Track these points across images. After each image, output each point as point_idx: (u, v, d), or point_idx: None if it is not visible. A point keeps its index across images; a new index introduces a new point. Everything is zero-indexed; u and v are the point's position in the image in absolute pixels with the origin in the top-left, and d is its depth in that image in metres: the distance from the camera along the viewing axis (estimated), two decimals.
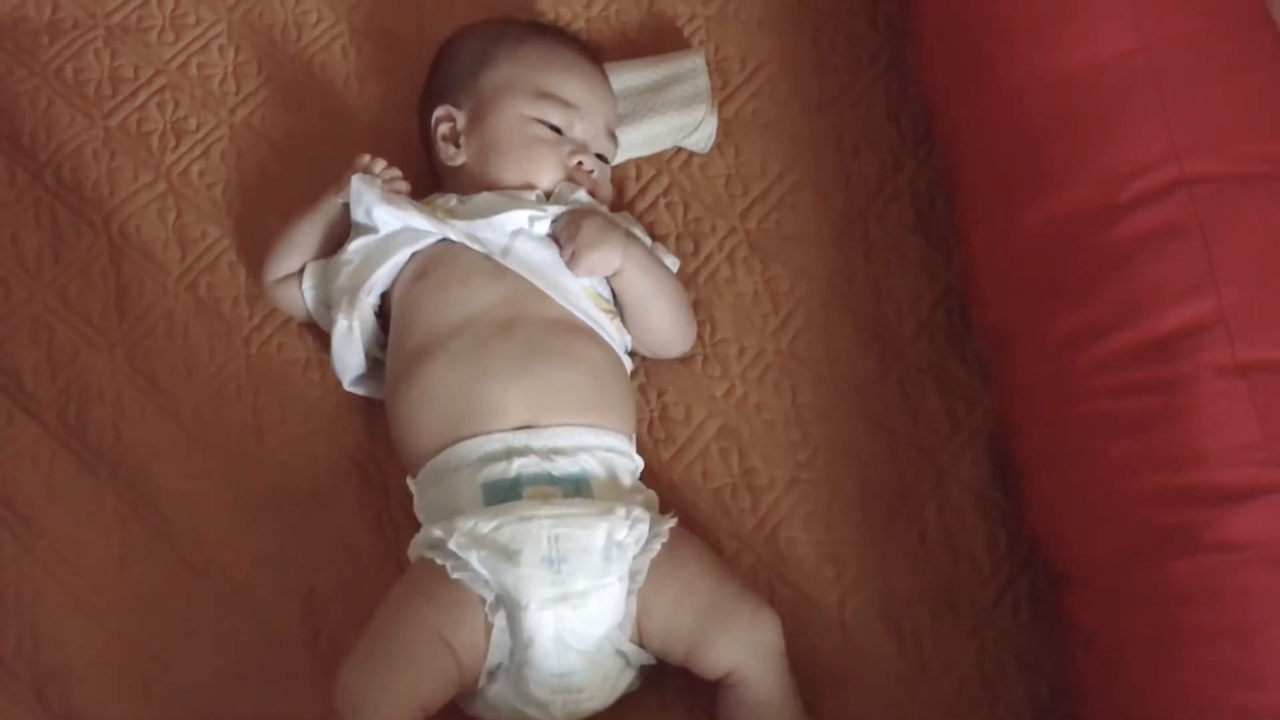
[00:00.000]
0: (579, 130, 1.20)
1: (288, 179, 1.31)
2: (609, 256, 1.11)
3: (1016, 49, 1.10)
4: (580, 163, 1.19)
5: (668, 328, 1.18)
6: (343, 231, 1.19)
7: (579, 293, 1.12)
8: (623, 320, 1.16)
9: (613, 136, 1.24)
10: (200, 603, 1.13)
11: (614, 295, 1.16)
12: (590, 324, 1.12)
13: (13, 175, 1.31)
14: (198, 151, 1.33)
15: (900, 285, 1.25)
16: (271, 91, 1.36)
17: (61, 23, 1.39)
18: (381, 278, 1.14)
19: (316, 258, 1.20)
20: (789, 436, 1.19)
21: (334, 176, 1.26)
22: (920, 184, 1.30)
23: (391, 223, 1.14)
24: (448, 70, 1.24)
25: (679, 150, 1.33)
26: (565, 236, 1.11)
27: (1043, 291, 1.05)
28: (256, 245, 1.27)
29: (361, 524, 1.16)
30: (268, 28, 1.39)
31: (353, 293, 1.13)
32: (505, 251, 1.11)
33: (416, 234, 1.13)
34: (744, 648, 1.02)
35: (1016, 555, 1.13)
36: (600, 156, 1.22)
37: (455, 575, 1.00)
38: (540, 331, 1.09)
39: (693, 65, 1.33)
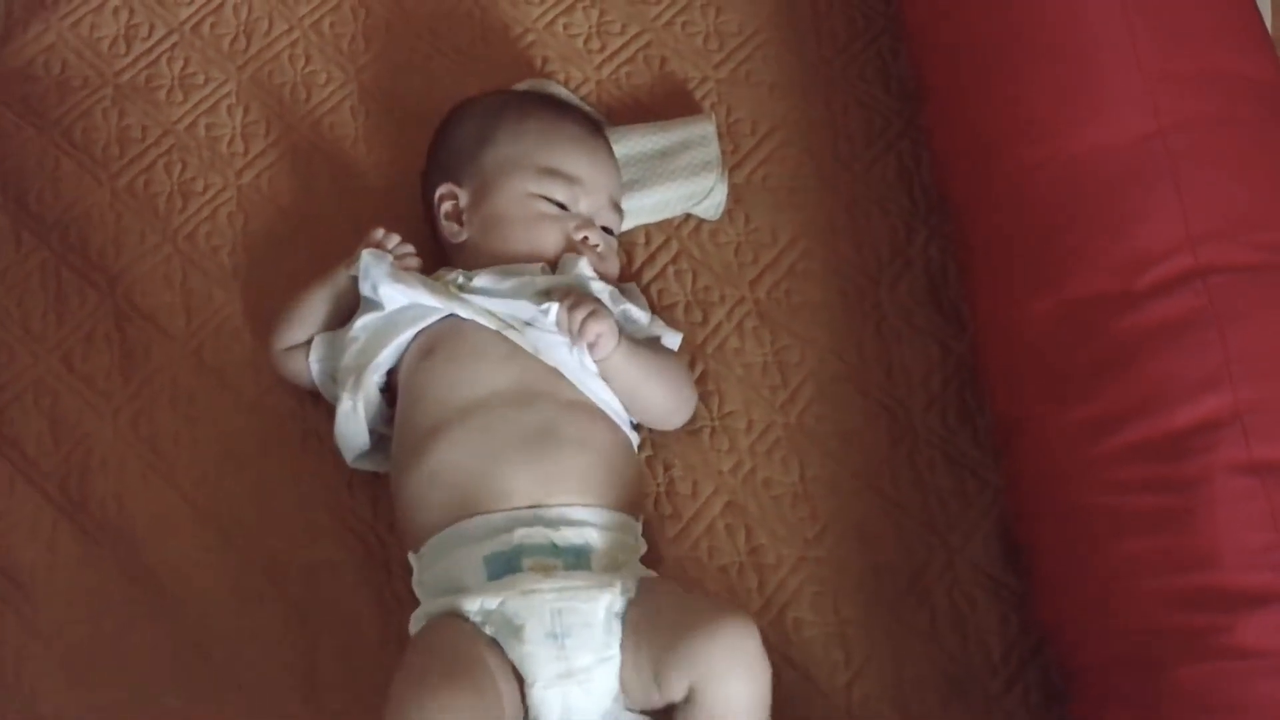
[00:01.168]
0: (584, 205, 1.19)
1: (295, 242, 1.30)
2: (607, 343, 1.09)
3: (1030, 129, 1.09)
4: (586, 238, 1.18)
5: (659, 405, 1.16)
6: (352, 304, 1.18)
7: (593, 372, 1.11)
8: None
9: (617, 208, 1.23)
10: (200, 678, 1.12)
11: None
12: (602, 406, 1.11)
13: (19, 237, 1.31)
14: (205, 214, 1.32)
15: (911, 358, 1.24)
16: (280, 153, 1.35)
17: (70, 81, 1.38)
18: (387, 357, 1.13)
19: (325, 329, 1.19)
20: (797, 513, 1.18)
21: (340, 240, 1.26)
22: (933, 252, 1.28)
23: (398, 299, 1.13)
24: (449, 147, 1.23)
25: (688, 217, 1.31)
26: (570, 324, 1.08)
27: (1053, 379, 1.03)
28: (262, 310, 1.26)
29: (363, 599, 1.15)
30: (277, 88, 1.38)
31: (359, 372, 1.12)
32: (524, 326, 1.10)
33: (424, 310, 1.13)
34: (703, 660, 0.94)
35: (1028, 639, 1.12)
36: (606, 229, 1.21)
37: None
38: (553, 414, 1.08)
39: (703, 132, 1.31)
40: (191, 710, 1.11)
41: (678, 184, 1.28)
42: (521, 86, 1.32)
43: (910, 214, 1.30)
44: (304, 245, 1.30)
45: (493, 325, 1.10)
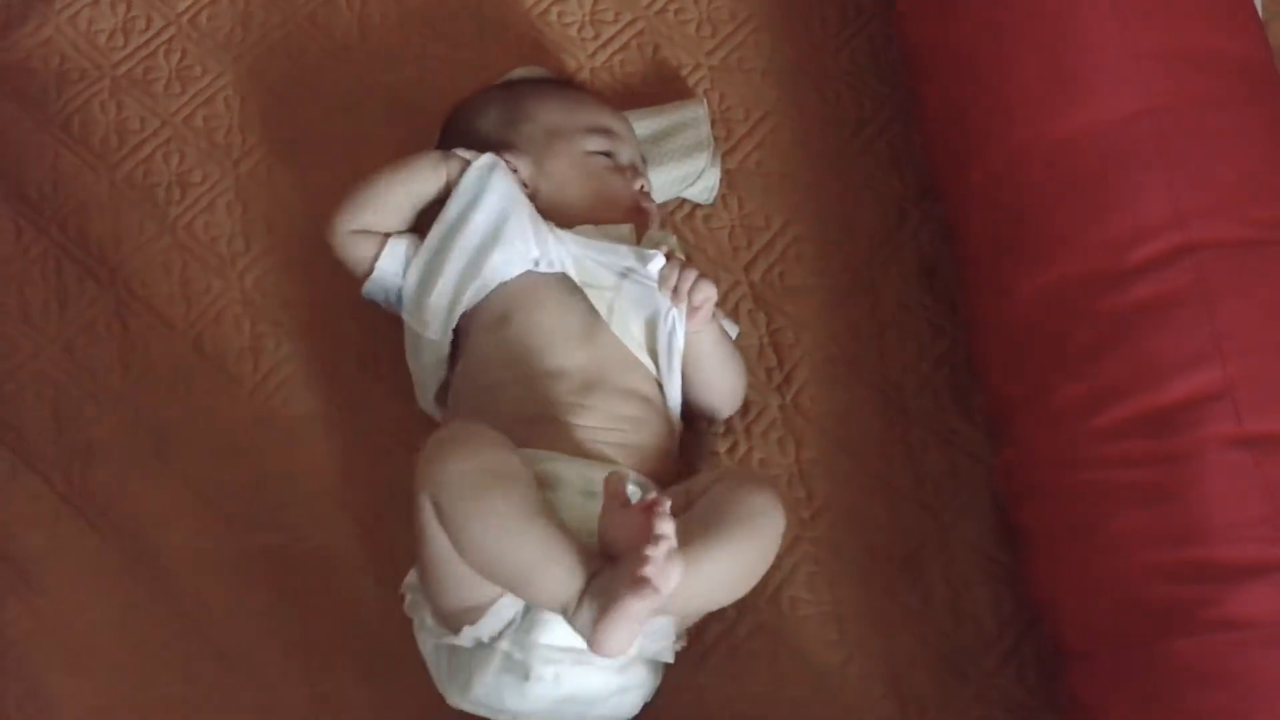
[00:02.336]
0: (624, 155, 1.22)
1: (292, 231, 1.31)
2: (709, 308, 1.09)
3: (1019, 110, 1.09)
4: (641, 186, 1.21)
5: (727, 389, 1.18)
6: (430, 205, 1.17)
7: (677, 348, 1.11)
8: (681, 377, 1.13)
9: (643, 157, 1.26)
10: (201, 663, 1.13)
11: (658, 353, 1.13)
12: (666, 396, 1.12)
13: (19, 229, 1.32)
14: (203, 204, 1.33)
15: (904, 339, 1.25)
16: (276, 143, 1.36)
17: (69, 74, 1.39)
18: (468, 301, 1.12)
19: (403, 229, 1.17)
20: (793, 494, 1.19)
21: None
22: (924, 235, 1.29)
23: (508, 230, 1.11)
24: (474, 138, 1.22)
25: (682, 201, 1.32)
26: (679, 281, 1.07)
27: (1045, 358, 1.04)
28: (260, 299, 1.28)
29: (364, 584, 1.16)
30: (273, 79, 1.39)
31: (450, 311, 1.12)
32: (617, 281, 1.11)
33: (511, 257, 1.11)
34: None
35: (1022, 617, 1.13)
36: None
37: None
38: (617, 402, 1.08)
39: (694, 114, 1.32)
40: (193, 695, 1.12)
41: (670, 166, 1.29)
42: (513, 75, 1.33)
43: (902, 197, 1.31)
44: (300, 233, 1.30)
45: (580, 277, 1.11)
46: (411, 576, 1.05)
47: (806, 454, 1.21)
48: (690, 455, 1.19)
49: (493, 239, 1.12)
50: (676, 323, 1.10)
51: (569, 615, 0.91)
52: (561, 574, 0.91)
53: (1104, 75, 1.06)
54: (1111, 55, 1.07)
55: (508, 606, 0.97)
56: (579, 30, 1.41)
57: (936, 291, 1.26)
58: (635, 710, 1.04)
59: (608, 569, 0.90)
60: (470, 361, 1.12)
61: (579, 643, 0.93)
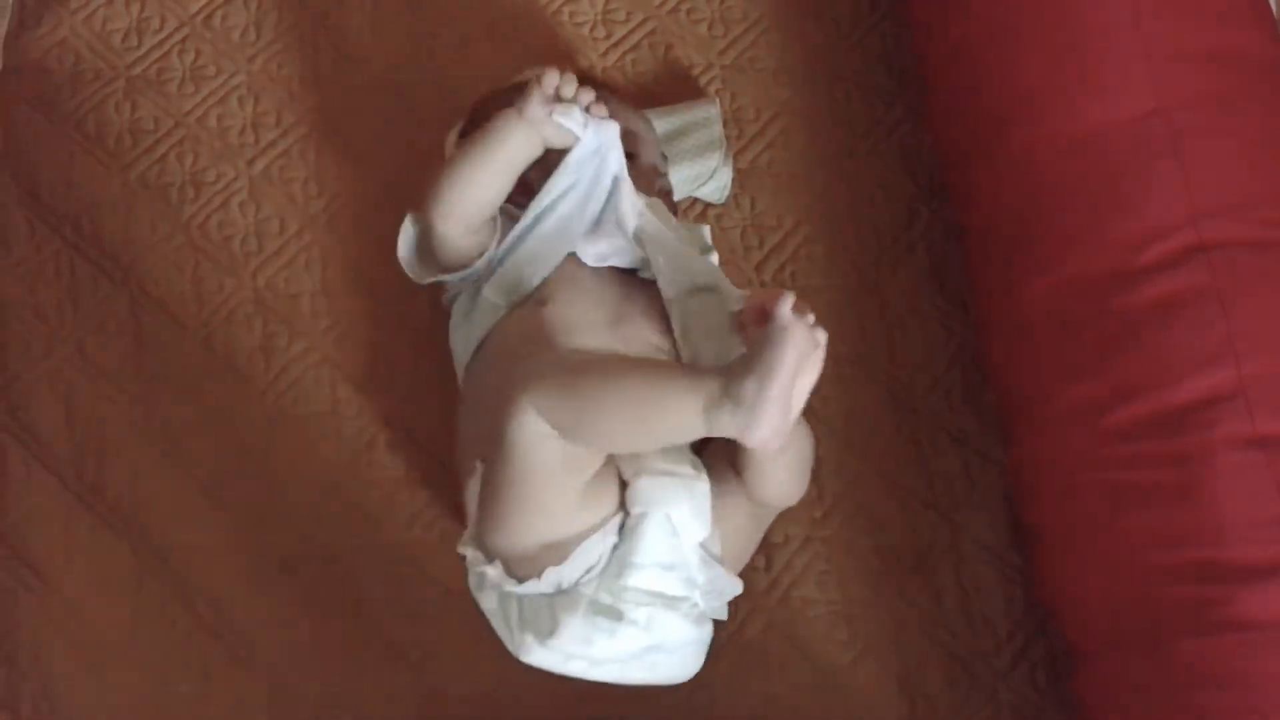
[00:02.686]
0: (646, 157, 1.21)
1: (305, 231, 1.31)
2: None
3: (1032, 108, 1.09)
4: (662, 188, 1.20)
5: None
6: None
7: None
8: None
9: (664, 156, 1.25)
10: (213, 661, 1.14)
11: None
12: None
13: (32, 228, 1.32)
14: (216, 204, 1.33)
15: (915, 339, 1.25)
16: (290, 143, 1.36)
17: (83, 74, 1.40)
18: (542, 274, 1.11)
19: (497, 205, 1.12)
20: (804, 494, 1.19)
21: (351, 228, 1.28)
22: (936, 235, 1.29)
23: (606, 220, 1.11)
24: None
25: (694, 201, 1.32)
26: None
27: (1056, 358, 1.04)
28: (273, 299, 1.28)
29: (375, 582, 1.16)
30: (286, 79, 1.39)
31: (519, 287, 1.11)
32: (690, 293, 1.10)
33: (601, 251, 1.11)
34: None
35: (1034, 617, 1.12)
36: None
37: None
38: None
39: (706, 114, 1.32)
40: (206, 692, 1.13)
41: (683, 166, 1.29)
42: (524, 76, 1.33)
43: (913, 197, 1.31)
44: (313, 233, 1.31)
45: (661, 279, 1.10)
46: (467, 538, 1.03)
47: (817, 453, 1.20)
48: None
49: (595, 227, 1.12)
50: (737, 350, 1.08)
51: (715, 410, 0.88)
52: (693, 379, 0.90)
53: (1117, 74, 1.05)
54: (1124, 54, 1.06)
55: (595, 546, 0.97)
56: (591, 30, 1.41)
57: (947, 291, 1.26)
58: (692, 672, 1.04)
59: (741, 361, 0.90)
60: (508, 335, 1.10)
61: (667, 587, 0.96)
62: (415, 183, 1.29)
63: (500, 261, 1.14)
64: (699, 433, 0.91)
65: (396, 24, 1.42)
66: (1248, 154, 1.03)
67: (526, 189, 1.13)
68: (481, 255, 1.13)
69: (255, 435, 1.22)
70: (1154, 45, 1.05)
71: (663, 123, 1.31)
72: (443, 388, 1.21)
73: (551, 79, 1.08)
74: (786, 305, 0.89)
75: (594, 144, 1.10)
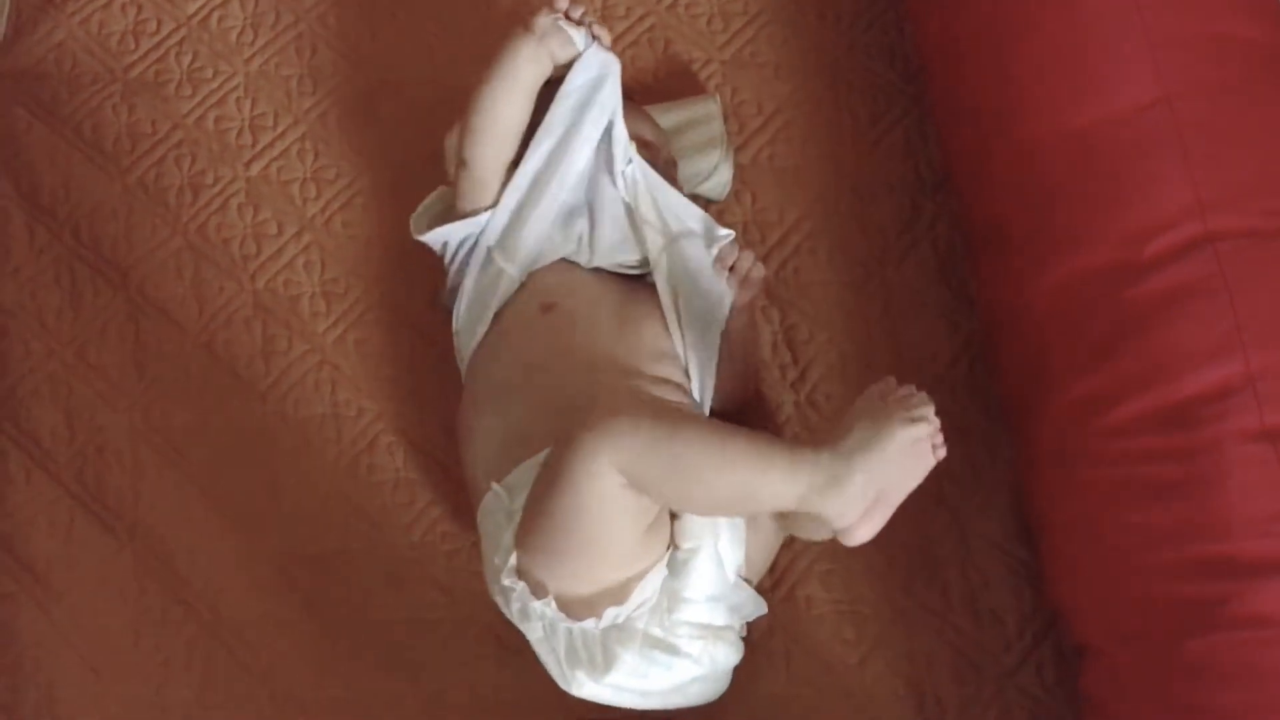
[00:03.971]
0: (658, 164, 1.20)
1: (303, 232, 1.31)
2: (758, 285, 1.13)
3: (1034, 101, 1.08)
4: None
5: (751, 376, 1.19)
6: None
7: (719, 321, 1.13)
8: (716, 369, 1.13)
9: (674, 161, 1.25)
10: (214, 665, 1.13)
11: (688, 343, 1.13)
12: (688, 382, 1.12)
13: (32, 233, 1.32)
14: (215, 206, 1.33)
15: (920, 335, 1.23)
16: (288, 144, 1.35)
17: (80, 78, 1.39)
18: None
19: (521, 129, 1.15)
20: None
21: (349, 228, 1.27)
22: (940, 229, 1.28)
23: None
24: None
25: (695, 196, 1.31)
26: (740, 260, 1.12)
27: (1063, 352, 1.02)
28: (272, 302, 1.27)
29: (374, 584, 1.16)
30: (284, 80, 1.39)
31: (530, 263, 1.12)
32: (669, 244, 1.13)
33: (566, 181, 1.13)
34: None
35: (1042, 614, 1.11)
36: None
37: None
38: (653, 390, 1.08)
39: (707, 110, 1.31)
40: (207, 697, 1.12)
41: (684, 162, 1.28)
42: None
43: (916, 191, 1.29)
44: (310, 233, 1.30)
45: (637, 253, 1.13)
46: (510, 571, 0.99)
47: None
48: None
49: (589, 202, 1.14)
50: (725, 296, 1.12)
51: (817, 498, 0.89)
52: (793, 461, 0.89)
53: (1120, 64, 1.04)
54: (1128, 44, 1.05)
55: (651, 582, 0.96)
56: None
57: (952, 286, 1.25)
58: (721, 693, 1.05)
59: (844, 436, 0.91)
60: (512, 338, 1.11)
61: (715, 618, 0.98)
62: (418, 180, 1.29)
63: (514, 216, 1.14)
64: (782, 508, 0.92)
65: (393, 25, 1.41)
66: (1252, 143, 1.01)
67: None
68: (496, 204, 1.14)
69: (255, 438, 1.22)
70: (1157, 35, 1.04)
71: (663, 119, 1.30)
72: (442, 390, 1.20)
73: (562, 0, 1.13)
74: (920, 412, 0.91)
75: (595, 69, 1.13)
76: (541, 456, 1.00)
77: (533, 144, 1.14)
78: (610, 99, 1.14)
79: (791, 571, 1.14)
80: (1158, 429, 0.95)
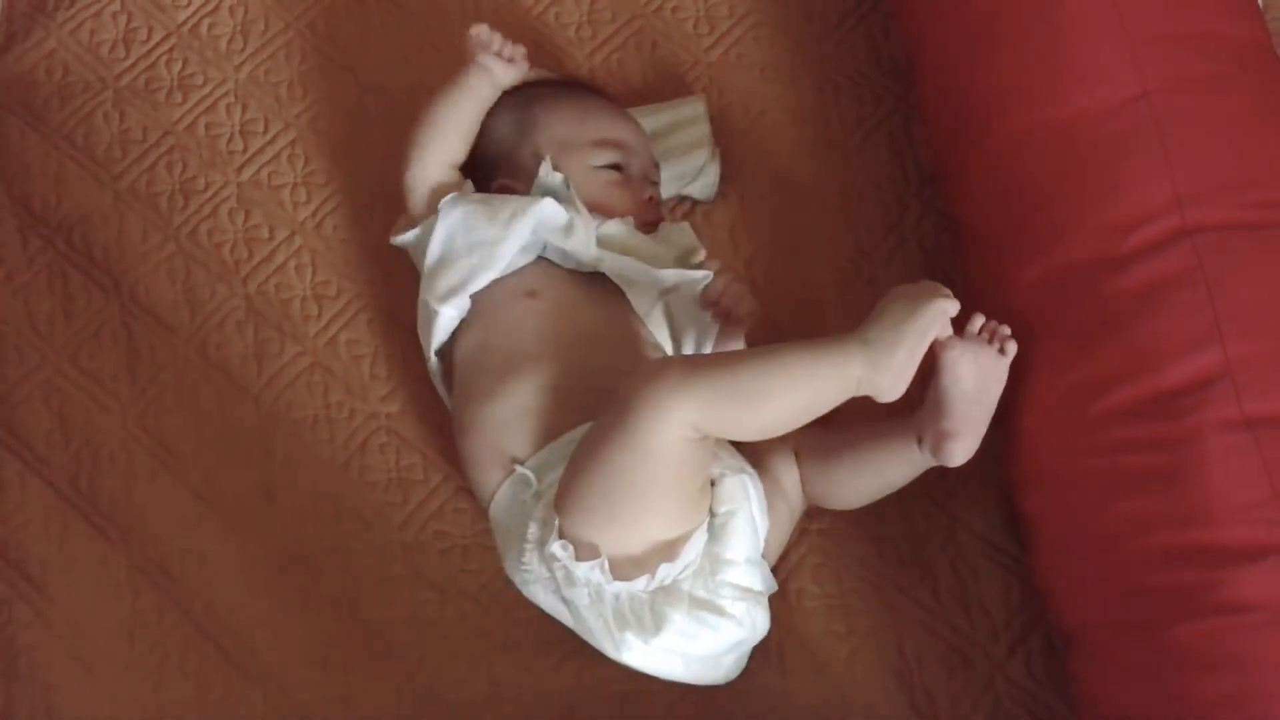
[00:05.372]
0: (635, 166, 1.22)
1: (294, 237, 1.32)
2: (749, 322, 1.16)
3: (1016, 97, 1.09)
4: (651, 197, 1.21)
5: None
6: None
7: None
8: None
9: (656, 164, 1.26)
10: (211, 668, 1.14)
11: None
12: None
13: (24, 240, 1.33)
14: (206, 211, 1.34)
15: None
16: (278, 149, 1.36)
17: (71, 86, 1.40)
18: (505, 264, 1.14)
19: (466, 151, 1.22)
20: None
21: (340, 231, 1.28)
22: (926, 227, 1.29)
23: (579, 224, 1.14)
24: (489, 145, 1.24)
25: (683, 198, 1.32)
26: (732, 296, 1.14)
27: (1046, 344, 1.03)
28: (264, 305, 1.28)
29: (369, 584, 1.16)
30: (274, 86, 1.40)
31: (475, 271, 1.13)
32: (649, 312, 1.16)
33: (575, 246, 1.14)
34: None
35: (1030, 607, 1.12)
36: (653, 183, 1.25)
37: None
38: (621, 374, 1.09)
39: (693, 111, 1.33)
40: (203, 700, 1.13)
41: (671, 164, 1.29)
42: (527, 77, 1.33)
43: (903, 189, 1.31)
44: (303, 238, 1.31)
45: (623, 283, 1.14)
46: (555, 540, 1.00)
47: None
48: None
49: (565, 229, 1.14)
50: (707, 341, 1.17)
51: (870, 367, 0.98)
52: (840, 352, 0.99)
53: (1100, 60, 1.05)
54: (1108, 40, 1.06)
55: (697, 541, 0.99)
56: (576, 30, 1.41)
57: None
58: (735, 675, 1.08)
59: (876, 328, 1.00)
60: (498, 327, 1.12)
61: (755, 583, 1.02)
62: (402, 188, 1.30)
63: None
64: (846, 396, 1.00)
65: (383, 29, 1.42)
66: (1231, 136, 1.03)
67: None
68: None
69: (248, 441, 1.22)
70: (1135, 30, 1.05)
71: (649, 121, 1.31)
72: (433, 390, 1.21)
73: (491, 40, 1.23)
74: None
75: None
76: (574, 434, 1.03)
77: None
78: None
79: (783, 565, 1.15)
80: (1140, 419, 0.96)
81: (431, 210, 1.17)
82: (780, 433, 1.03)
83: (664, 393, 0.94)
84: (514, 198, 1.16)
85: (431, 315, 1.14)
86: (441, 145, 1.21)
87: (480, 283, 1.13)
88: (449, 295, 1.13)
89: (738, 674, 1.08)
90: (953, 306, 1.01)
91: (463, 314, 1.14)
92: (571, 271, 1.16)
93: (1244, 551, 0.89)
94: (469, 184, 1.21)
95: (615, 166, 1.21)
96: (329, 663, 1.13)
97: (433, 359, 1.16)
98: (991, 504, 1.17)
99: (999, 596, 1.13)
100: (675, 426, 0.94)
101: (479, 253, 1.13)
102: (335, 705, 1.12)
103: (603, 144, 1.21)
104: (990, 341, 1.05)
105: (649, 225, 1.21)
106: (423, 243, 1.17)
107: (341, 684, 1.13)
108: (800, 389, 0.98)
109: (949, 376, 1.03)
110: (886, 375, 0.98)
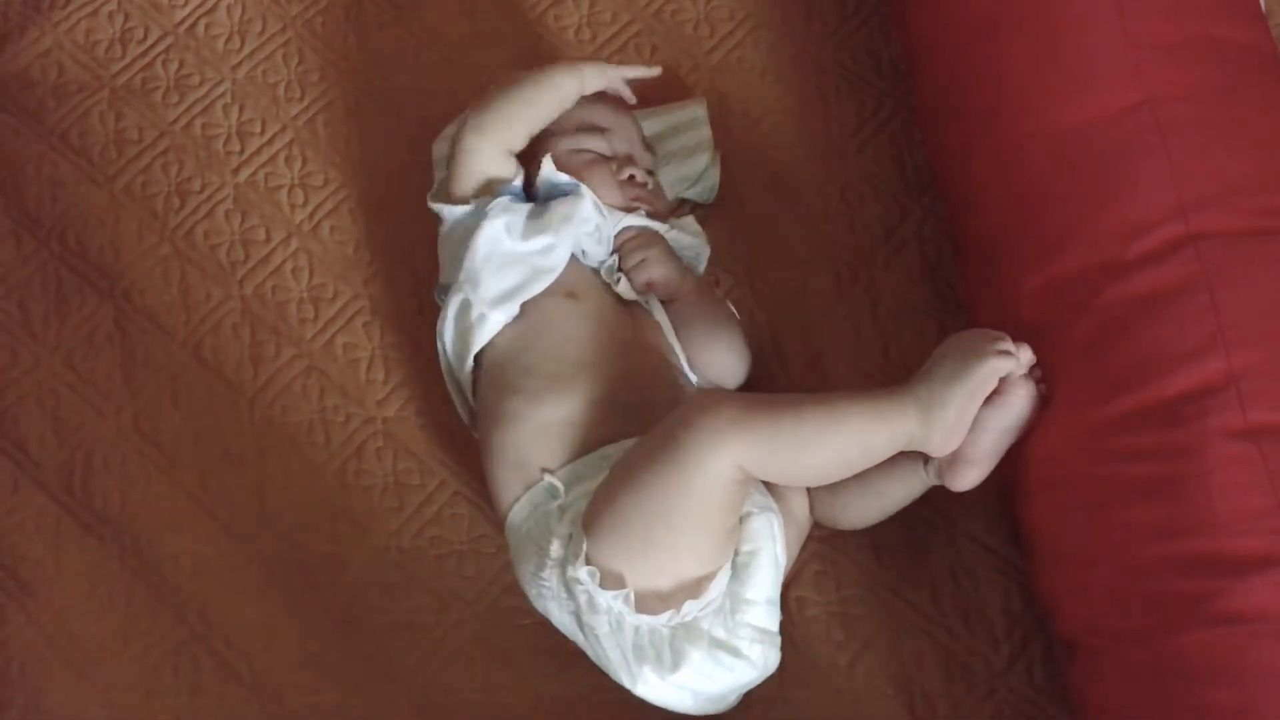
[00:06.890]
0: (615, 146, 1.21)
1: (291, 238, 1.31)
2: (671, 274, 1.15)
3: (1018, 103, 1.08)
4: (631, 175, 1.19)
5: (724, 353, 1.17)
6: None
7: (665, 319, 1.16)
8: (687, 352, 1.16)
9: (649, 148, 1.25)
10: (204, 672, 1.13)
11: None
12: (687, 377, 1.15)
13: (19, 241, 1.32)
14: (202, 213, 1.33)
15: (908, 338, 1.24)
16: (275, 150, 1.36)
17: (67, 85, 1.39)
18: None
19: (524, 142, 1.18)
20: None
21: (336, 233, 1.27)
22: (927, 232, 1.28)
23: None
24: None
25: (683, 202, 1.32)
26: (632, 247, 1.14)
27: (1048, 352, 1.02)
28: (260, 307, 1.27)
29: (363, 590, 1.15)
30: (271, 86, 1.39)
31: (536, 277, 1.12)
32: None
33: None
34: None
35: (1031, 615, 1.11)
36: (648, 172, 1.23)
37: None
38: (650, 388, 1.10)
39: (694, 115, 1.32)
40: (196, 704, 1.12)
41: (671, 168, 1.29)
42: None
43: (903, 194, 1.30)
44: (299, 239, 1.30)
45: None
46: (581, 564, 0.98)
47: None
48: None
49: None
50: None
51: (922, 422, 0.98)
52: (894, 406, 0.98)
53: (1103, 66, 1.04)
54: (1111, 45, 1.05)
55: (722, 580, 0.98)
56: (576, 33, 1.40)
57: (940, 288, 1.25)
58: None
59: (932, 370, 1.00)
60: (544, 329, 1.11)
61: (771, 624, 1.01)
62: (409, 187, 1.29)
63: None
64: (897, 449, 0.99)
65: (382, 31, 1.41)
66: (1234, 144, 1.02)
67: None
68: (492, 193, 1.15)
69: (243, 444, 1.22)
70: (1138, 37, 1.04)
71: (650, 124, 1.31)
72: (429, 394, 1.20)
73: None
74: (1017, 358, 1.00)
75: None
76: (607, 450, 1.02)
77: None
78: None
79: None
80: (1143, 428, 0.95)
81: (479, 193, 1.15)
82: (820, 483, 1.02)
83: (718, 430, 0.93)
84: (555, 201, 1.15)
85: (478, 319, 1.11)
86: (506, 131, 1.17)
87: (535, 290, 1.11)
88: (500, 300, 1.10)
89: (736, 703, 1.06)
90: (1006, 364, 0.98)
91: (510, 318, 1.12)
92: (594, 270, 1.16)
93: (1247, 561, 0.88)
94: (521, 174, 1.18)
95: (594, 151, 1.20)
96: (323, 668, 1.12)
97: (469, 362, 1.12)
98: (993, 512, 1.16)
99: (1000, 604, 1.12)
100: (725, 466, 0.93)
101: (533, 260, 1.12)
102: (329, 711, 1.11)
103: (584, 128, 1.20)
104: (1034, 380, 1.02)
105: (631, 207, 1.19)
106: (463, 228, 1.14)
107: (335, 689, 1.12)
108: (853, 442, 0.97)
109: (997, 411, 1.01)
110: (938, 433, 0.98)
